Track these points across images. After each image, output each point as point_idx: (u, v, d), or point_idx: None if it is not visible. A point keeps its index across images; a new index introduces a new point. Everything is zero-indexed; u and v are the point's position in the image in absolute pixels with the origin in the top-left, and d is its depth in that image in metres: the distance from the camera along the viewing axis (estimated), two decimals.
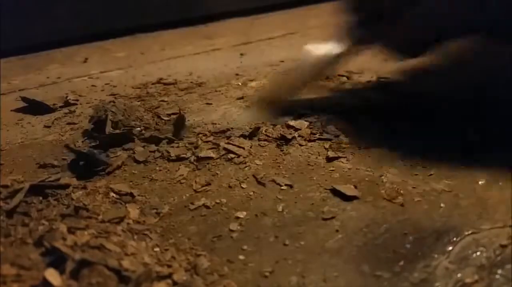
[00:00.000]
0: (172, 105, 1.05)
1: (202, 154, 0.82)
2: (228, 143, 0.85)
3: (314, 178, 0.75)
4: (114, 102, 0.94)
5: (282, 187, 0.73)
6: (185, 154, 0.83)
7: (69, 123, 1.00)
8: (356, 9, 0.96)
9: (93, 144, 0.84)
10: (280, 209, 0.68)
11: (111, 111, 0.90)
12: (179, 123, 0.88)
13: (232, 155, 0.81)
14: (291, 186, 0.73)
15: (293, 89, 1.01)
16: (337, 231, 0.63)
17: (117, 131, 0.86)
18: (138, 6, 1.72)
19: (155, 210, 0.69)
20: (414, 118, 0.89)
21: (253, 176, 0.76)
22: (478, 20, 0.87)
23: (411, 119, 0.89)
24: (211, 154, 0.82)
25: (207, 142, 0.87)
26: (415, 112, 0.92)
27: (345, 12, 0.97)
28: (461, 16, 0.87)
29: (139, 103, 1.06)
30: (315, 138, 0.86)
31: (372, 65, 1.17)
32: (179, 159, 0.81)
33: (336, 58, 0.99)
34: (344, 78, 1.16)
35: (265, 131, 0.88)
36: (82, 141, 0.85)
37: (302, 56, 1.05)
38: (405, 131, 0.86)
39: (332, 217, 0.66)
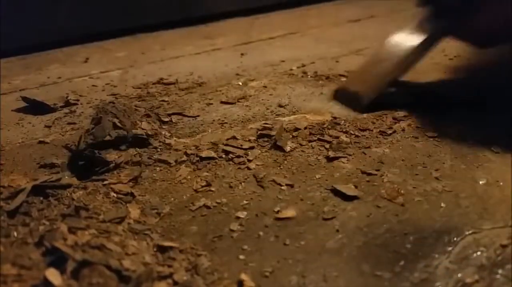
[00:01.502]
0: (173, 105, 1.05)
1: (203, 154, 0.82)
2: (226, 145, 0.85)
3: (315, 178, 0.75)
4: (113, 103, 0.93)
5: (282, 187, 0.73)
6: (185, 155, 0.83)
7: (69, 123, 1.00)
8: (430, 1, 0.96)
9: (93, 144, 0.84)
10: (280, 209, 0.68)
11: (111, 112, 0.90)
12: None
13: (232, 155, 0.82)
14: (291, 186, 0.73)
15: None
16: (337, 231, 0.63)
17: (117, 131, 0.86)
18: (139, 6, 1.72)
19: (155, 210, 0.69)
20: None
21: (254, 176, 0.76)
22: None
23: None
24: (212, 154, 0.82)
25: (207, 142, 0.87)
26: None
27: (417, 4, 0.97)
28: None
29: (139, 103, 1.06)
30: (315, 138, 0.86)
31: None
32: (179, 162, 0.81)
33: (421, 50, 0.98)
34: (344, 78, 1.17)
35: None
36: (83, 141, 0.84)
37: (387, 47, 1.02)
38: None
39: (333, 217, 0.66)
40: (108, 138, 0.85)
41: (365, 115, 0.94)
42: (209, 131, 0.92)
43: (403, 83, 1.05)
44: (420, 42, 0.97)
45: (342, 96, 1.02)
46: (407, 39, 0.99)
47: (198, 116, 0.99)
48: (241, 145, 0.85)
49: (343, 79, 1.16)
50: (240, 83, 1.18)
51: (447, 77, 1.14)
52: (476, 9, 0.90)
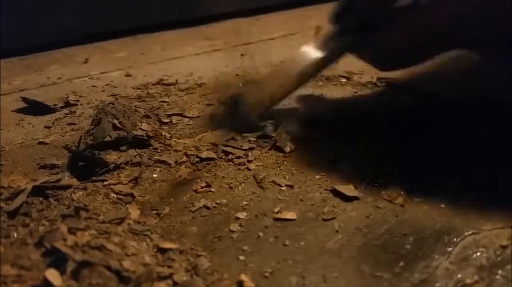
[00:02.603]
0: (173, 106, 1.05)
1: (203, 155, 0.82)
2: (226, 145, 0.85)
3: (314, 178, 0.75)
4: (113, 104, 0.93)
5: (282, 188, 0.73)
6: (185, 156, 0.83)
7: (69, 124, 1.00)
8: (342, 16, 0.92)
9: (93, 145, 0.84)
10: (280, 209, 0.68)
11: (111, 113, 0.90)
12: None
13: (232, 156, 0.82)
14: (291, 187, 0.73)
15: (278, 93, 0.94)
16: (337, 231, 0.63)
17: (117, 132, 0.86)
18: (139, 7, 1.73)
19: (155, 211, 0.69)
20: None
21: (253, 177, 0.76)
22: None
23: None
24: (212, 155, 0.82)
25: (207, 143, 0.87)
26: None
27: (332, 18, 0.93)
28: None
29: (139, 103, 1.06)
30: (316, 138, 0.86)
31: None
32: (179, 163, 0.81)
33: (321, 64, 0.94)
34: (344, 79, 1.17)
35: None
36: (82, 142, 0.84)
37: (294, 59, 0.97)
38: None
39: (332, 218, 0.66)
40: (108, 139, 0.85)
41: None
42: (209, 132, 0.92)
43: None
44: (317, 60, 0.93)
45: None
46: (307, 56, 0.94)
47: (198, 116, 0.99)
48: (241, 146, 0.85)
49: (343, 80, 1.17)
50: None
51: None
52: (376, 31, 0.87)
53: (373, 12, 0.86)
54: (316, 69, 0.94)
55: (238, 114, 0.91)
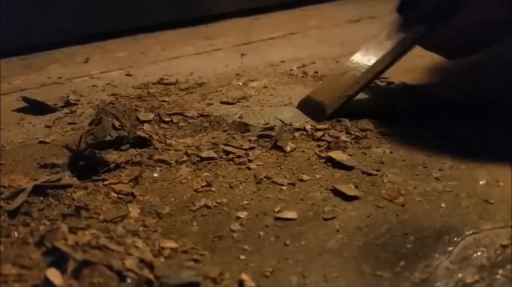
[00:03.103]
0: (173, 105, 1.05)
1: (203, 155, 0.82)
2: (227, 145, 0.85)
3: (315, 178, 0.75)
4: (113, 103, 0.93)
5: (282, 187, 0.73)
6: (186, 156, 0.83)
7: (70, 123, 1.00)
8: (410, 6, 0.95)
9: (93, 144, 0.84)
10: (280, 209, 0.68)
11: (111, 113, 0.90)
12: None
13: (233, 156, 0.82)
14: (292, 186, 0.73)
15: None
16: (337, 231, 0.63)
17: (118, 132, 0.86)
18: (139, 6, 1.73)
19: (156, 210, 0.69)
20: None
21: (254, 176, 0.76)
22: None
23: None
24: (213, 154, 0.82)
25: (207, 142, 0.87)
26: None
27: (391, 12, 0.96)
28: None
29: (140, 103, 1.06)
30: (316, 138, 0.86)
31: None
32: (180, 162, 0.81)
33: (390, 60, 0.95)
34: None
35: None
36: (83, 142, 0.84)
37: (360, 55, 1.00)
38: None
39: (333, 217, 0.66)
40: (108, 138, 0.85)
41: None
42: (210, 131, 0.92)
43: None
44: (388, 53, 0.95)
45: (307, 106, 1.00)
46: (375, 50, 0.97)
47: (198, 116, 0.99)
48: (242, 145, 0.85)
49: None
50: (240, 84, 1.18)
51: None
52: (444, 21, 0.89)
53: (441, 2, 0.88)
54: (389, 62, 0.95)
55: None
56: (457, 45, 0.96)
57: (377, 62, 0.95)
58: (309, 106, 0.99)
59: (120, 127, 0.87)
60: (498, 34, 0.93)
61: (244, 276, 0.55)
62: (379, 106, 0.99)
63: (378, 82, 1.11)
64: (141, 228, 0.65)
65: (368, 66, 0.96)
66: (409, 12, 0.95)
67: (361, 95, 0.99)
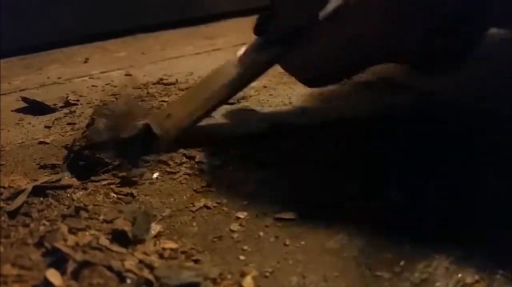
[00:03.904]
0: None
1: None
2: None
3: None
4: (107, 104, 0.93)
5: (282, 187, 0.73)
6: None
7: (69, 123, 1.00)
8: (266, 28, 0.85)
9: (87, 146, 0.84)
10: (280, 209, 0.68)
11: (104, 114, 0.89)
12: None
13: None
14: (291, 186, 0.73)
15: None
16: (337, 231, 0.63)
17: (114, 133, 0.85)
18: (139, 6, 1.72)
19: (155, 211, 0.69)
20: None
21: (254, 176, 0.76)
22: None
23: None
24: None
25: None
26: None
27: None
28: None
29: (139, 103, 1.06)
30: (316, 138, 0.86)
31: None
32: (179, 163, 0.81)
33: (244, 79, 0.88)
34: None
35: None
36: (76, 144, 0.84)
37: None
38: None
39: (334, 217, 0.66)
40: (103, 139, 0.84)
41: None
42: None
43: None
44: (239, 74, 0.86)
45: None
46: (233, 68, 0.88)
47: None
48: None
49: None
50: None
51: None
52: (304, 44, 0.81)
53: (296, 23, 0.80)
54: (239, 84, 0.88)
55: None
56: (312, 72, 0.88)
57: (222, 87, 0.86)
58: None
59: (113, 128, 0.86)
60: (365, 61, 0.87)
61: (244, 276, 0.55)
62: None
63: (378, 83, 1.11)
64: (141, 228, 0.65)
65: (214, 89, 0.87)
66: (264, 34, 0.85)
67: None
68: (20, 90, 1.23)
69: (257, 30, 0.85)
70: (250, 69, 0.86)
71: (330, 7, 0.76)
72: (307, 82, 0.92)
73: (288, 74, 0.94)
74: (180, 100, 0.98)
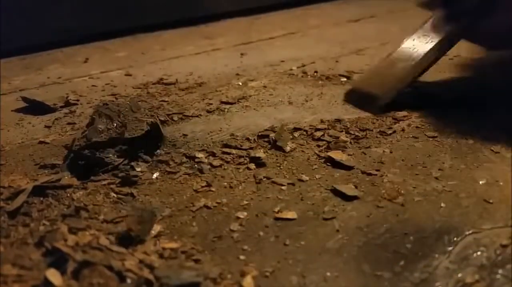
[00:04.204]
0: (173, 105, 1.05)
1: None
2: (226, 145, 0.85)
3: (315, 178, 0.75)
4: (107, 104, 0.93)
5: (282, 187, 0.73)
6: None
7: (69, 123, 1.00)
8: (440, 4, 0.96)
9: (86, 145, 0.84)
10: (280, 209, 0.68)
11: (104, 114, 0.89)
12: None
13: (232, 156, 0.82)
14: (291, 186, 0.73)
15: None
16: (337, 231, 0.63)
17: (113, 132, 0.85)
18: (139, 6, 1.73)
19: (155, 211, 0.69)
20: None
21: (253, 176, 0.76)
22: None
23: None
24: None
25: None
26: None
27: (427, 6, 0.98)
28: None
29: (139, 103, 1.06)
30: (316, 138, 0.86)
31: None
32: (179, 162, 0.81)
33: (438, 53, 0.97)
34: (344, 78, 1.17)
35: None
36: (75, 144, 0.84)
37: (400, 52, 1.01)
38: None
39: (333, 217, 0.66)
40: (102, 139, 0.84)
41: (364, 115, 0.94)
42: (209, 131, 0.92)
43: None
44: (437, 44, 0.97)
45: (355, 97, 1.01)
46: (423, 41, 0.99)
47: (198, 116, 0.99)
48: (241, 145, 0.85)
49: (343, 79, 1.17)
50: (240, 83, 1.18)
51: (448, 77, 1.14)
52: (491, 12, 0.90)
53: None
54: (436, 55, 0.97)
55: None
56: (500, 38, 0.96)
57: (425, 55, 0.97)
58: (359, 98, 1.00)
59: (116, 128, 0.86)
60: None
61: (244, 276, 0.55)
62: (420, 98, 1.00)
63: None
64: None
65: (415, 57, 0.98)
66: (453, 5, 0.96)
67: None
68: (20, 90, 1.23)
69: (443, 2, 0.94)
70: (445, 40, 0.96)
71: None
72: (492, 48, 1.03)
73: (472, 42, 1.01)
74: (374, 72, 1.07)
